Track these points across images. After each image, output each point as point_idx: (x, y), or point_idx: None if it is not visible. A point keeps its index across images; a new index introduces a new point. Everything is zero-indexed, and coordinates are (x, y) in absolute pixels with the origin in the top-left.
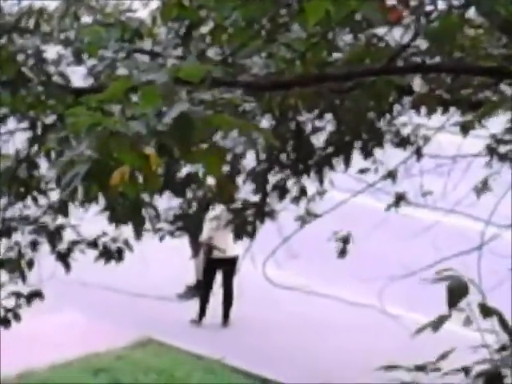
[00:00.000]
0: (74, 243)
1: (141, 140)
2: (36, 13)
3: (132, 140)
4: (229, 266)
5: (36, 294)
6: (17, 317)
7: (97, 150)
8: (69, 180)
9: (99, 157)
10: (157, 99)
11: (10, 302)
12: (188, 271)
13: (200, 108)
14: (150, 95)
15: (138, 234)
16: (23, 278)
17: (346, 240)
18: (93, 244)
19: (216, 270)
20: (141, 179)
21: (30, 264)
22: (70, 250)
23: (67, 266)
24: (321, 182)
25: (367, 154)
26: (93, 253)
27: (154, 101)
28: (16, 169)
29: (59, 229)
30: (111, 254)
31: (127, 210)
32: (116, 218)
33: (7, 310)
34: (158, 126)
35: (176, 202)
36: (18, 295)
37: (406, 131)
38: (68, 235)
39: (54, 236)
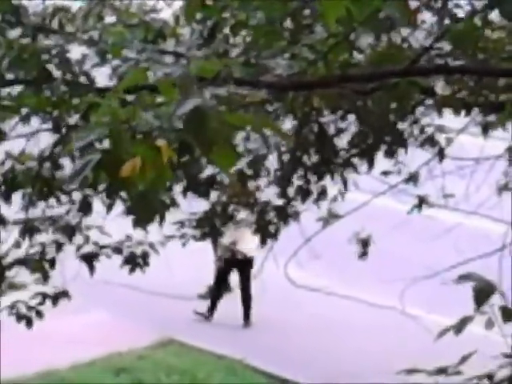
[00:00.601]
0: (100, 247)
1: (153, 132)
2: (60, 13)
3: (144, 132)
4: (245, 266)
5: (62, 294)
6: (39, 315)
7: (109, 140)
8: (79, 168)
9: (111, 147)
10: (172, 92)
11: (35, 302)
12: (211, 272)
13: (214, 102)
14: (166, 87)
15: (144, 227)
16: (45, 277)
17: (366, 242)
18: (118, 249)
19: (231, 270)
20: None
21: (52, 263)
22: (95, 255)
23: (91, 268)
24: (344, 183)
25: (390, 155)
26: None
27: (169, 93)
28: (39, 168)
29: (75, 228)
30: (136, 259)
31: (135, 203)
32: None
33: (29, 308)
34: (171, 119)
35: (199, 206)
36: (43, 296)
37: (428, 132)
38: (92, 234)
39: (74, 234)
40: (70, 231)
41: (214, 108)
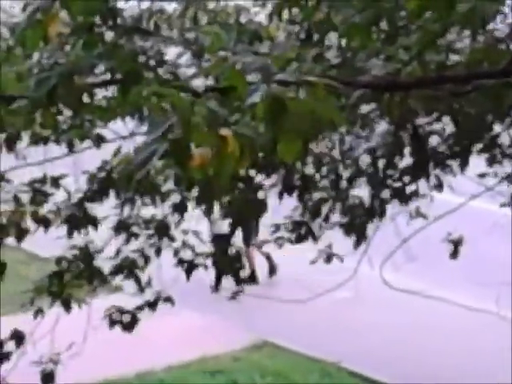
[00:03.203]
0: (196, 254)
1: (219, 121)
2: (156, 15)
3: (210, 120)
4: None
5: (165, 300)
6: (136, 319)
7: (176, 128)
8: (146, 157)
9: (180, 136)
10: (242, 80)
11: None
12: (306, 273)
13: (282, 89)
14: (236, 76)
15: (209, 215)
16: (141, 287)
17: (457, 242)
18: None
19: None
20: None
21: (146, 263)
22: (192, 263)
23: (189, 275)
24: (440, 185)
25: (490, 160)
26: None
27: (239, 81)
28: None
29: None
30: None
31: (201, 193)
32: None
33: (126, 313)
34: (242, 106)
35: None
36: (147, 304)
37: None
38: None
39: (169, 235)
40: (165, 232)
41: (281, 93)
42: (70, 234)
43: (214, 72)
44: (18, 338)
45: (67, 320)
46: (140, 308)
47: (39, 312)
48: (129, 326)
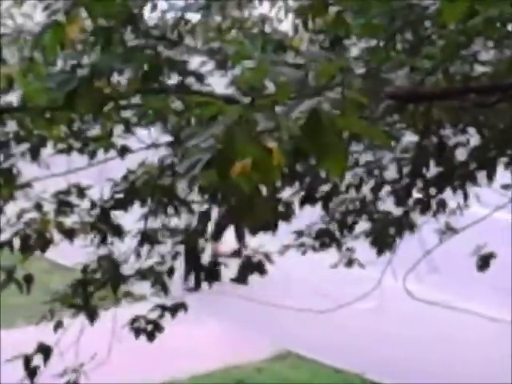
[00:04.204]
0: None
1: (265, 133)
2: (180, 24)
3: (255, 131)
4: None
5: (180, 306)
6: (159, 328)
7: (220, 138)
8: (189, 166)
9: (224, 146)
10: (288, 93)
11: (154, 315)
12: (330, 283)
13: (328, 105)
14: (283, 89)
15: (254, 231)
16: (165, 290)
17: (488, 257)
18: (236, 254)
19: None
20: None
21: (171, 273)
22: (213, 266)
23: (210, 282)
24: (465, 196)
25: None
26: (234, 262)
27: (284, 95)
28: (159, 177)
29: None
30: (253, 266)
31: (243, 205)
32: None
33: (149, 322)
34: (285, 121)
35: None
36: (162, 308)
37: None
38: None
39: (194, 246)
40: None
41: (329, 111)
42: (98, 243)
43: (252, 81)
44: (45, 351)
45: (90, 328)
46: (161, 315)
47: (59, 325)
48: (151, 335)
